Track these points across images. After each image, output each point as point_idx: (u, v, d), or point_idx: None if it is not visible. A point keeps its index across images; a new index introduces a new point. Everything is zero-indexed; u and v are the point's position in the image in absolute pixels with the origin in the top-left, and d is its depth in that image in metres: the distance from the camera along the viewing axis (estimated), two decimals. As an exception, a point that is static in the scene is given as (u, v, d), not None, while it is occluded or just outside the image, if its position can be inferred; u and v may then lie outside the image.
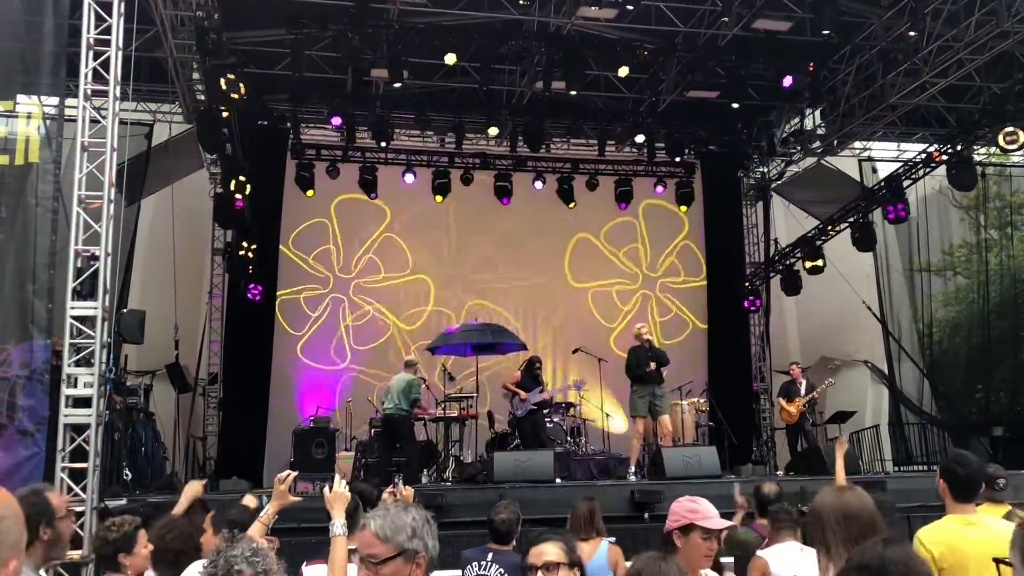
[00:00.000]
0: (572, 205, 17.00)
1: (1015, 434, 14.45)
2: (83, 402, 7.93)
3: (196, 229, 15.39)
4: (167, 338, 13.70)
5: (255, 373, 15.15)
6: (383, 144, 15.29)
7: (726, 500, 6.40)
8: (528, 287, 17.18)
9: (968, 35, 11.83)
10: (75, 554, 7.07)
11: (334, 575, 3.73)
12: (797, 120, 16.18)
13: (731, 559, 5.16)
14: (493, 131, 15.40)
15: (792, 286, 16.57)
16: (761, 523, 5.60)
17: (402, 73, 12.86)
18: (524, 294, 17.13)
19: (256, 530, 3.97)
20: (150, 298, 13.48)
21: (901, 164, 15.33)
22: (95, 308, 8.04)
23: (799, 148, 16.58)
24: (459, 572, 5.32)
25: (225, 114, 12.23)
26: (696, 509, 3.63)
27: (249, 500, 4.97)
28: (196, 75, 13.01)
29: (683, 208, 17.54)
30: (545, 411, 12.68)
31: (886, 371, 17.02)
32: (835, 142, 16.07)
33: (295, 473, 4.53)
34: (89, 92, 8.44)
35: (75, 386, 7.94)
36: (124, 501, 8.29)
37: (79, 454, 7.83)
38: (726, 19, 12.54)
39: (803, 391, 13.34)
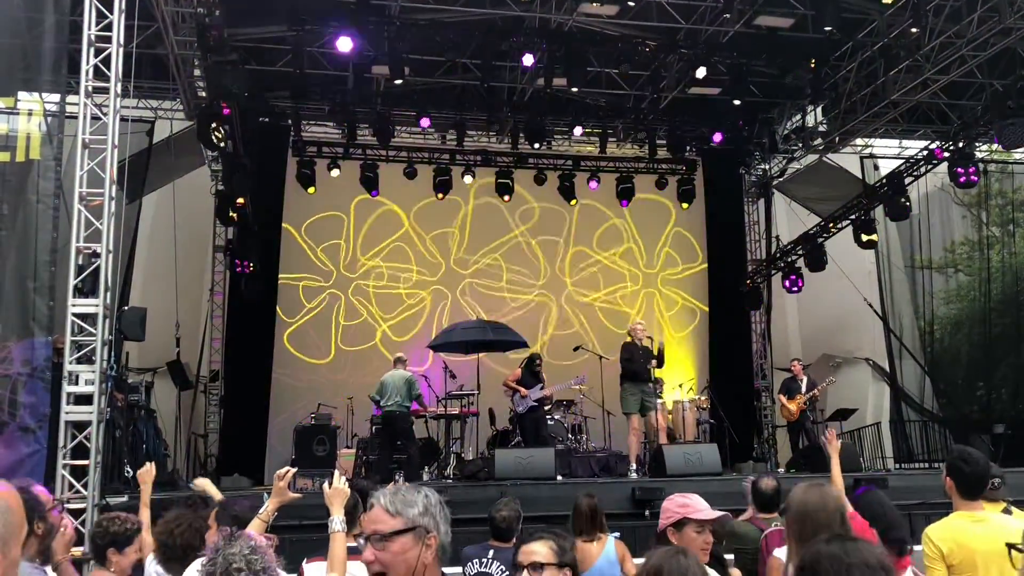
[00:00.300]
0: (573, 202, 17.00)
1: (1016, 431, 14.44)
2: (84, 399, 7.93)
3: (197, 226, 15.37)
4: (168, 335, 13.71)
5: (256, 370, 15.15)
6: (384, 141, 15.29)
7: (727, 497, 6.40)
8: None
9: (970, 32, 11.81)
10: (77, 551, 7.07)
11: (334, 571, 3.73)
12: (799, 117, 16.15)
13: (731, 556, 5.17)
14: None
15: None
16: (759, 517, 5.60)
17: (403, 70, 12.86)
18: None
19: (255, 527, 3.96)
20: (151, 295, 13.50)
21: (903, 161, 15.32)
22: (96, 305, 8.04)
23: (801, 145, 16.56)
24: (460, 569, 5.32)
25: (226, 111, 12.22)
26: (687, 504, 3.69)
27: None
28: (197, 72, 13.01)
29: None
30: (547, 407, 12.69)
31: (887, 368, 17.02)
32: (837, 139, 16.05)
33: (294, 469, 4.53)
34: (90, 89, 8.43)
35: (76, 383, 7.94)
36: (125, 498, 8.30)
37: (80, 451, 7.83)
38: (728, 16, 12.52)
39: (804, 388, 13.33)
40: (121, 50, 8.46)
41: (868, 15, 13.05)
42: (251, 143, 14.12)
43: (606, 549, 5.40)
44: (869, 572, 2.11)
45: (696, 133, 16.99)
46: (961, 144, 13.94)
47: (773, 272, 17.31)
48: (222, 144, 12.06)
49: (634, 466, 11.28)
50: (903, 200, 14.68)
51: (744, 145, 17.22)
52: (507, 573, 4.99)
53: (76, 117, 8.48)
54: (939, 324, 17.52)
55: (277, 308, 15.75)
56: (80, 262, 8.17)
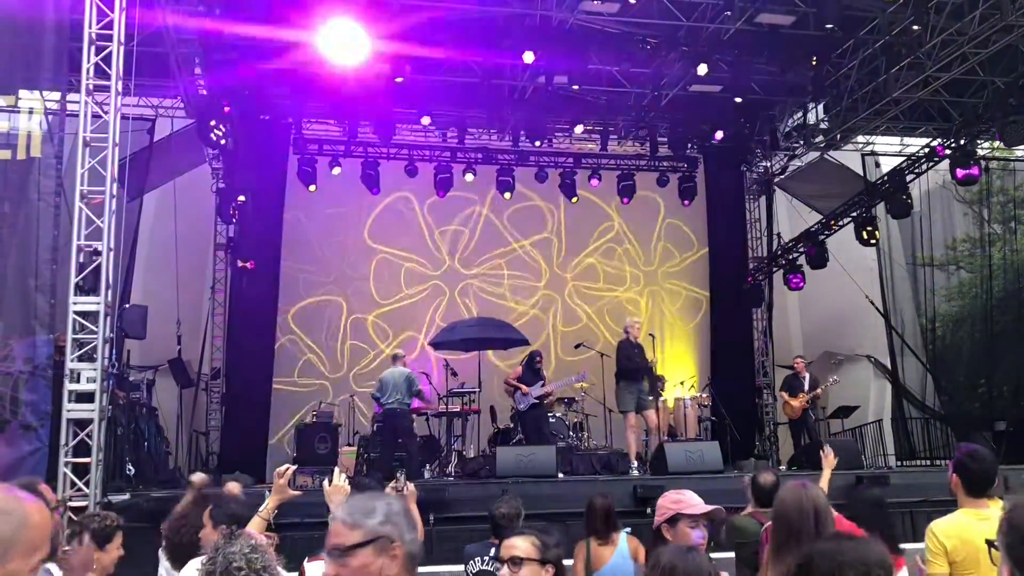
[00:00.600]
0: (575, 200, 16.99)
1: (1018, 429, 14.45)
2: (86, 397, 7.95)
3: (198, 224, 15.36)
4: (169, 333, 13.71)
5: (258, 368, 15.16)
6: (385, 138, 15.28)
7: (729, 495, 6.39)
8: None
9: (972, 29, 11.77)
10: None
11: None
12: (800, 114, 16.14)
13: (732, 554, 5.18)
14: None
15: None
16: (759, 511, 5.61)
17: (404, 68, 12.84)
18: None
19: (256, 525, 3.97)
20: (152, 293, 13.50)
21: (904, 159, 15.30)
22: (97, 303, 8.06)
23: (802, 142, 16.54)
24: (461, 567, 5.32)
25: (227, 109, 12.22)
26: (680, 500, 3.74)
27: (232, 487, 4.98)
28: (198, 70, 12.99)
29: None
30: (549, 403, 12.69)
31: (889, 366, 17.00)
32: (838, 136, 16.02)
33: (294, 467, 4.53)
34: (91, 87, 8.44)
35: (78, 381, 7.96)
36: (127, 496, 8.32)
37: (82, 449, 7.85)
38: (729, 13, 12.50)
39: (806, 386, 13.33)
40: (122, 48, 8.47)
41: (869, 12, 13.03)
42: (252, 141, 14.13)
43: (619, 545, 5.41)
44: (864, 570, 2.08)
45: (697, 131, 16.98)
46: (962, 141, 13.92)
47: (775, 269, 17.30)
48: (223, 142, 12.06)
49: (635, 463, 11.29)
50: (904, 197, 14.68)
51: (745, 142, 17.20)
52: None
53: (77, 115, 8.50)
54: (941, 321, 17.51)
55: (278, 306, 15.76)
56: (81, 260, 8.19)
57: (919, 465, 15.29)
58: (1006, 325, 16.86)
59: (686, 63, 13.82)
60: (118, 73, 8.42)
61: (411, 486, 6.00)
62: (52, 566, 3.81)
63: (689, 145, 17.17)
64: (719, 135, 16.18)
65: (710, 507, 3.75)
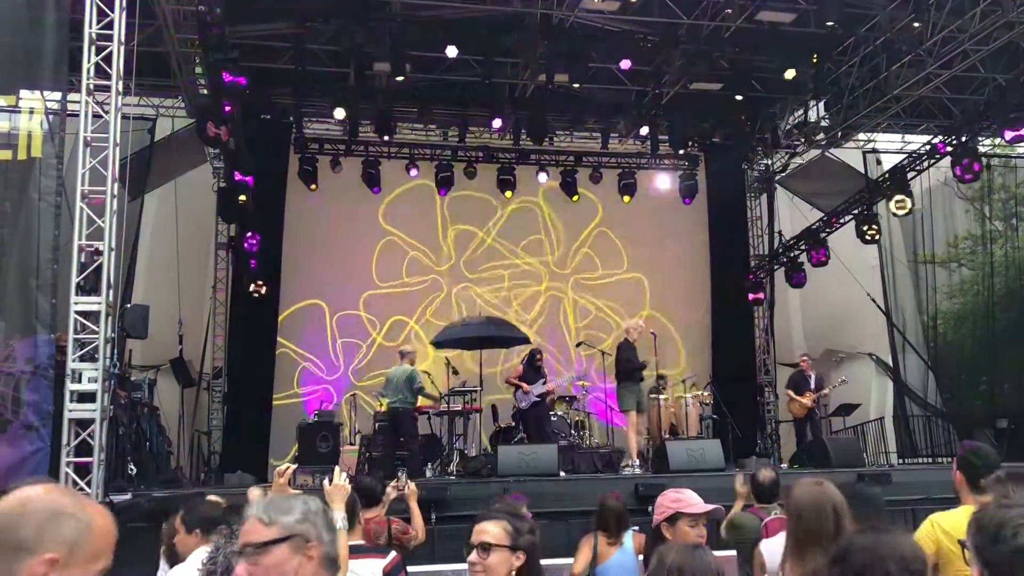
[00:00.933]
0: (575, 199, 16.97)
1: (1020, 426, 14.42)
2: (87, 397, 7.95)
3: (199, 224, 15.36)
4: (171, 333, 13.72)
5: (259, 367, 15.16)
6: (386, 138, 15.25)
7: (731, 493, 6.39)
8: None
9: (973, 26, 11.76)
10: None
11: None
12: (801, 112, 16.09)
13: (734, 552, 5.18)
14: (497, 123, 15.32)
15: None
16: (758, 507, 5.63)
17: (404, 67, 12.83)
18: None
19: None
20: (154, 293, 13.50)
21: (905, 156, 15.28)
22: (99, 303, 8.06)
23: (803, 140, 16.50)
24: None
25: (227, 109, 12.20)
26: (680, 499, 3.77)
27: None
28: (199, 69, 12.99)
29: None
30: (550, 401, 12.69)
31: (891, 363, 16.98)
32: (839, 134, 16.01)
33: (294, 466, 4.53)
34: (92, 87, 8.44)
35: (79, 381, 7.96)
36: (129, 496, 8.31)
37: (84, 449, 7.85)
38: (729, 11, 12.49)
39: (812, 384, 13.32)
40: (122, 48, 8.47)
41: (870, 10, 13.01)
42: (253, 140, 14.11)
43: (625, 544, 5.41)
44: (904, 564, 2.06)
45: (698, 129, 16.95)
46: (964, 138, 13.90)
47: (776, 267, 17.29)
48: (223, 141, 12.05)
49: (637, 461, 11.30)
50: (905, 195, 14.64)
51: (746, 140, 17.19)
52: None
53: (78, 115, 8.50)
54: (942, 319, 17.49)
55: (280, 305, 15.75)
56: (82, 260, 8.19)
57: (921, 463, 15.27)
58: (1008, 322, 16.83)
59: (687, 61, 13.82)
60: (118, 73, 8.41)
61: (413, 485, 6.00)
62: None
63: (690, 143, 17.14)
64: (720, 133, 16.14)
65: (709, 507, 3.75)
